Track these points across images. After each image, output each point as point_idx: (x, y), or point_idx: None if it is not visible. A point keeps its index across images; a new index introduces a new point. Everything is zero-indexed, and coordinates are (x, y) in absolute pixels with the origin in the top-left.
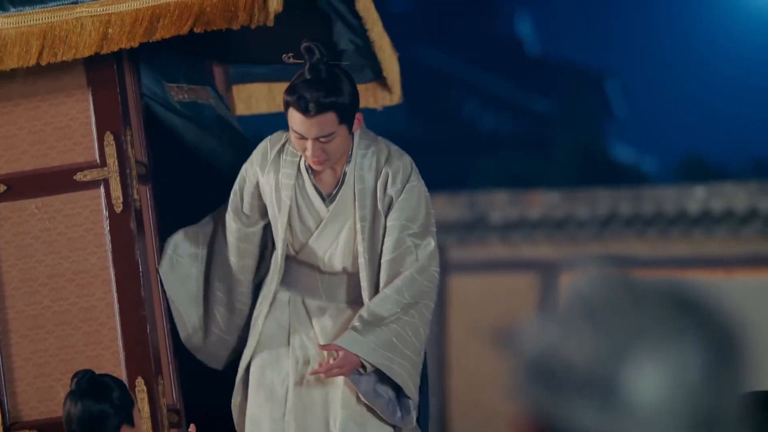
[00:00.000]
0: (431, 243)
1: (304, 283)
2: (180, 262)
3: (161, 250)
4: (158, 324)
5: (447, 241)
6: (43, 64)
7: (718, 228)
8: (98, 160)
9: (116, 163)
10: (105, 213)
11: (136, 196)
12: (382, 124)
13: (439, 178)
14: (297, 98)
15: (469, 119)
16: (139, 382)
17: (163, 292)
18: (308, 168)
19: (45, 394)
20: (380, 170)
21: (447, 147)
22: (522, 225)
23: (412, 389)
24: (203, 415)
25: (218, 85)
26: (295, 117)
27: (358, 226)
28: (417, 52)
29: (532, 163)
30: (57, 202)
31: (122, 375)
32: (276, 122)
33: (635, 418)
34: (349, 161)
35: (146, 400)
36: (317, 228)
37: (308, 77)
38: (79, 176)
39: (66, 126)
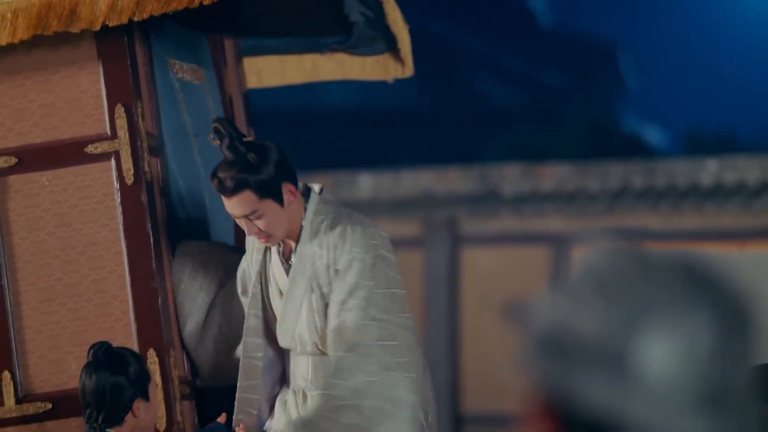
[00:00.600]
0: (363, 311)
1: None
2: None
3: (172, 221)
4: (169, 296)
5: (458, 215)
6: (52, 36)
7: (731, 201)
8: (109, 133)
9: (127, 136)
10: (116, 185)
11: (147, 169)
12: (392, 97)
13: (450, 151)
14: (216, 180)
15: (480, 92)
16: (151, 354)
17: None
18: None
19: (57, 366)
20: (331, 243)
21: (458, 120)
22: (534, 198)
23: None
24: (214, 388)
25: (228, 59)
26: (222, 198)
27: (315, 304)
28: (428, 24)
29: (543, 136)
30: (68, 174)
31: (134, 347)
32: (286, 95)
33: (646, 390)
34: (299, 236)
35: (158, 372)
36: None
37: (225, 157)
38: (89, 149)
39: (77, 98)
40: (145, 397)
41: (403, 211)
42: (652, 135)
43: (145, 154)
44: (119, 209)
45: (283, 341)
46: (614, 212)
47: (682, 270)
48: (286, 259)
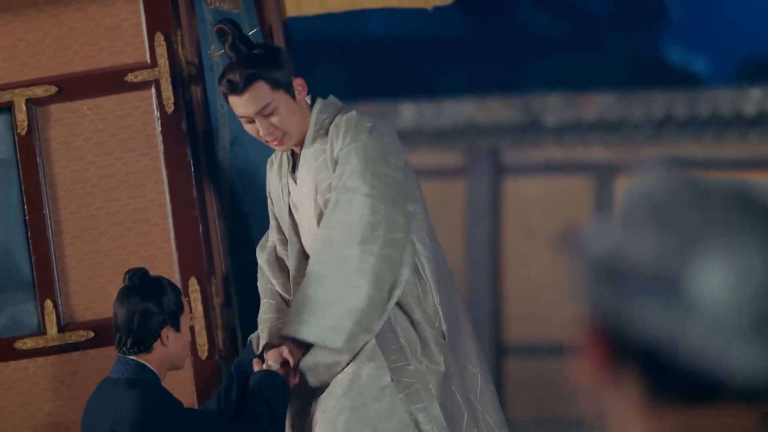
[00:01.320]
0: (364, 192)
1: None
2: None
3: (213, 150)
4: (211, 224)
5: (501, 144)
6: None
7: None
8: (149, 61)
9: (167, 64)
10: (156, 114)
11: (187, 97)
12: (434, 26)
13: (492, 80)
14: (225, 82)
15: (523, 21)
16: (192, 282)
17: (217, 192)
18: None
19: (99, 294)
20: (331, 134)
21: (500, 49)
22: (576, 127)
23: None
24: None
25: None
26: (233, 102)
27: (320, 202)
28: None
29: (586, 65)
30: (108, 103)
31: (175, 275)
32: (326, 24)
33: (699, 317)
34: (306, 137)
35: (199, 300)
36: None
37: (230, 59)
38: (130, 77)
39: (116, 26)
40: (176, 327)
41: (445, 140)
42: (696, 64)
43: (186, 83)
44: (159, 138)
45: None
46: (657, 141)
47: (736, 196)
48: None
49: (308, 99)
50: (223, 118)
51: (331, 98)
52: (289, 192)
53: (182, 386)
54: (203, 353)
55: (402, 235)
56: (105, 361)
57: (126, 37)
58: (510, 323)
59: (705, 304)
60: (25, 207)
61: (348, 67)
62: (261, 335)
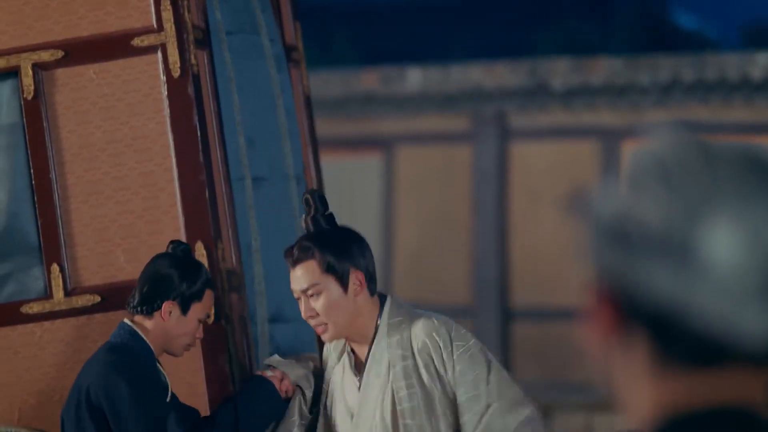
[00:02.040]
0: (522, 411)
1: None
2: None
3: (219, 114)
4: (217, 189)
5: (508, 109)
6: None
7: None
8: (155, 25)
9: (173, 28)
10: (163, 78)
11: (193, 61)
12: None
13: (500, 45)
14: (286, 251)
15: None
16: (199, 246)
17: (225, 160)
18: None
19: (105, 259)
20: (418, 342)
21: (508, 13)
22: (583, 92)
23: None
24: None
25: None
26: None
27: (399, 407)
28: None
29: (593, 29)
30: (114, 67)
31: (181, 239)
32: None
33: (710, 279)
34: (374, 338)
35: (205, 264)
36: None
37: (306, 229)
38: (136, 41)
39: None
40: (184, 309)
41: (452, 105)
42: (703, 28)
43: (192, 47)
44: (166, 102)
45: None
46: (665, 106)
47: (746, 159)
48: (358, 371)
49: (375, 298)
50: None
51: (396, 297)
52: (338, 392)
53: (189, 351)
54: (210, 318)
55: None
56: (111, 325)
57: (132, 1)
58: (517, 287)
59: (712, 267)
60: (32, 172)
61: (356, 32)
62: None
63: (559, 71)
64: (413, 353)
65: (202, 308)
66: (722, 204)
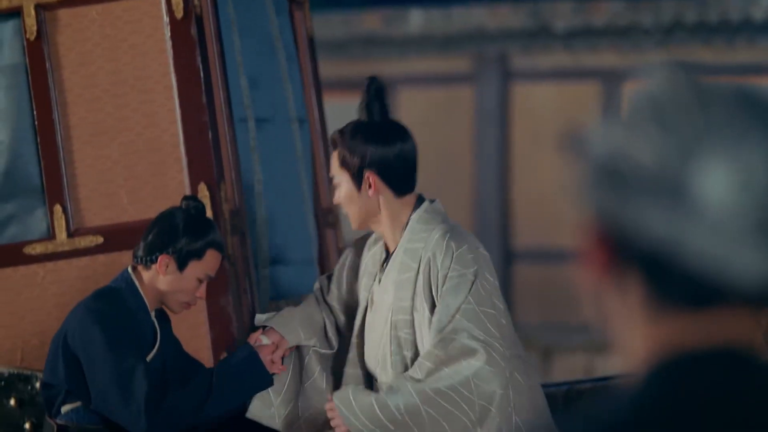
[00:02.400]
0: (476, 355)
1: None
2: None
3: (222, 56)
4: (220, 130)
5: (510, 50)
6: None
7: None
8: None
9: None
10: (165, 19)
11: (196, 2)
12: None
13: None
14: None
15: None
16: (202, 187)
17: (228, 101)
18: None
19: (108, 200)
20: (425, 258)
21: None
22: (585, 33)
23: None
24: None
25: None
26: None
27: (393, 319)
28: None
29: None
30: (117, 8)
31: (185, 181)
32: None
33: (703, 219)
34: (400, 243)
35: (209, 205)
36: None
37: (359, 116)
38: None
39: None
40: (181, 264)
41: (454, 46)
42: None
43: None
44: (169, 43)
45: (369, 363)
46: (667, 47)
47: (740, 99)
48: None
49: (410, 198)
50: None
51: (436, 204)
52: (371, 287)
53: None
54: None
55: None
56: (114, 266)
57: None
58: (518, 229)
59: (706, 207)
60: (35, 112)
61: None
62: (272, 318)
63: (561, 12)
64: (419, 267)
65: (202, 268)
66: (715, 144)
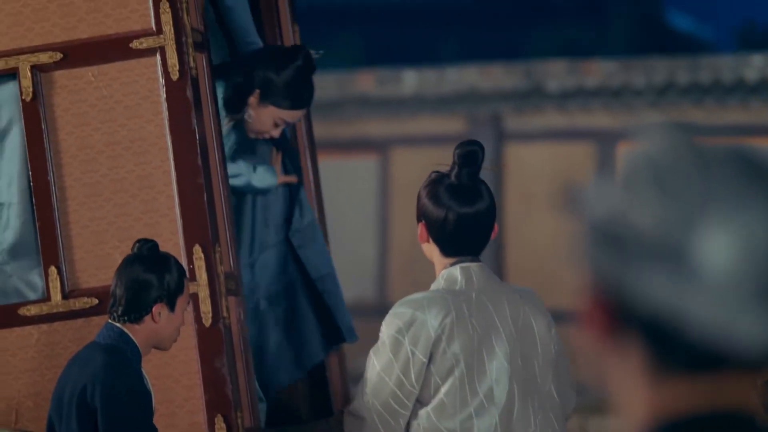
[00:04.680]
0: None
1: None
2: None
3: (217, 117)
4: (215, 192)
5: (503, 111)
6: None
7: None
8: (154, 28)
9: (172, 31)
10: (161, 81)
11: (192, 64)
12: None
13: (495, 47)
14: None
15: None
16: (197, 249)
17: (223, 163)
18: None
19: (103, 261)
20: None
21: (503, 16)
22: (579, 94)
23: None
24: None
25: None
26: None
27: None
28: None
29: (588, 31)
30: (113, 70)
31: (179, 243)
32: None
33: (702, 284)
34: None
35: (203, 267)
36: None
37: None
38: (135, 44)
39: None
40: (171, 306)
41: (447, 107)
42: (698, 30)
43: (191, 50)
44: (164, 105)
45: None
46: (660, 108)
47: (739, 162)
48: None
49: None
50: None
51: (451, 273)
52: None
53: (186, 354)
54: (207, 321)
55: None
56: None
57: (131, 4)
58: None
59: (707, 271)
60: (30, 173)
61: (350, 34)
62: None
63: (554, 73)
64: None
65: (185, 298)
66: (715, 208)
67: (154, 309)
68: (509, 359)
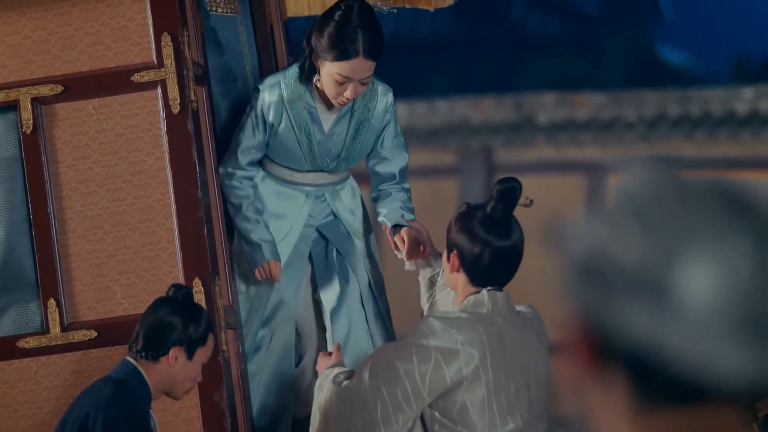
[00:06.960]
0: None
1: None
2: None
3: (217, 151)
4: (215, 225)
5: (493, 143)
6: None
7: (766, 129)
8: (155, 61)
9: (173, 64)
10: (162, 114)
11: (193, 98)
12: (426, 26)
13: (486, 79)
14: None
15: (515, 20)
16: (196, 283)
17: (223, 196)
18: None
19: (102, 294)
20: None
21: (494, 48)
22: (569, 126)
23: None
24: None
25: None
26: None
27: None
28: None
29: (579, 64)
30: (114, 103)
31: (179, 276)
32: None
33: (685, 316)
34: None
35: (203, 301)
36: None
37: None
38: (136, 77)
39: (123, 27)
40: (189, 354)
41: (438, 140)
42: (688, 63)
43: (191, 83)
44: (165, 138)
45: None
46: (650, 140)
47: (720, 196)
48: None
49: None
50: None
51: (481, 296)
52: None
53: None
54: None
55: None
56: (108, 360)
57: (133, 37)
58: None
59: (690, 305)
60: (30, 206)
61: None
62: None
63: (545, 106)
64: None
65: (206, 352)
66: (697, 242)
67: (171, 351)
68: (528, 384)
